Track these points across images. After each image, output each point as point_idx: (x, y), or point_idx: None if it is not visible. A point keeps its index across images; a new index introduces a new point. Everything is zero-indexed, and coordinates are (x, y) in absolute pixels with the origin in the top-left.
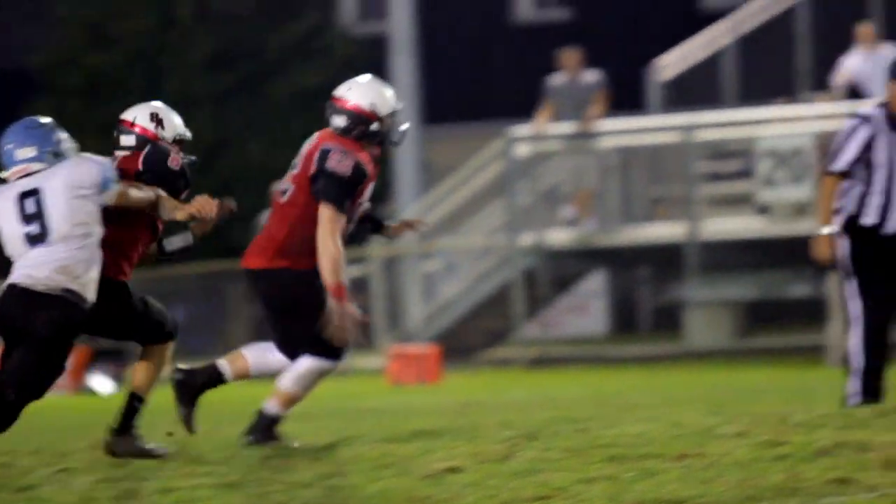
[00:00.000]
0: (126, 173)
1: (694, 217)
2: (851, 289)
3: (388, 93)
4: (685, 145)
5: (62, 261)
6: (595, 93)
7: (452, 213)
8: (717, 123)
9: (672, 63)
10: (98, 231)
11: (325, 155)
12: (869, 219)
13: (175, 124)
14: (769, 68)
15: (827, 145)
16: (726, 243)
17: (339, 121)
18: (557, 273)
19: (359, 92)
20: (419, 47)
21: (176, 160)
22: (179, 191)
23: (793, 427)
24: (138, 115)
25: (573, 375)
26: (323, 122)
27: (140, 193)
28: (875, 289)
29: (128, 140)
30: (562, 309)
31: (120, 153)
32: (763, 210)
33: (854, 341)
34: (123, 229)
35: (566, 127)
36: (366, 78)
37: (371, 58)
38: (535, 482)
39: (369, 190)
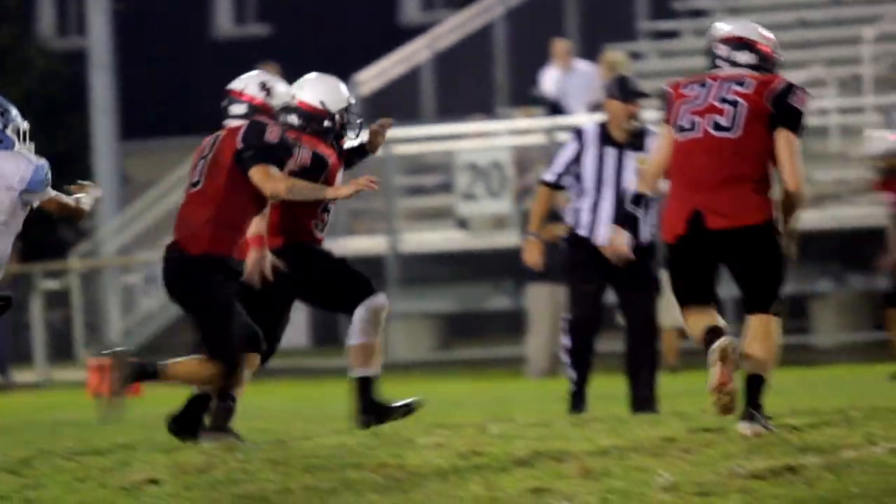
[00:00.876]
0: (227, 150)
1: (394, 230)
2: (565, 297)
3: (340, 88)
4: (384, 159)
5: None
6: None
7: (151, 227)
8: (416, 138)
9: (371, 78)
10: (13, 224)
11: (248, 130)
12: (582, 230)
13: (283, 93)
14: (467, 84)
15: (524, 160)
16: (426, 256)
17: (292, 119)
18: None
19: (309, 90)
20: (118, 62)
21: (275, 132)
22: (283, 162)
23: (491, 437)
24: (248, 85)
25: (275, 387)
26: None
27: (305, 187)
28: (584, 298)
29: (238, 109)
30: None
31: (230, 122)
32: (462, 223)
33: (563, 351)
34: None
35: None
36: (313, 76)
37: (70, 72)
38: (235, 493)
39: (339, 178)
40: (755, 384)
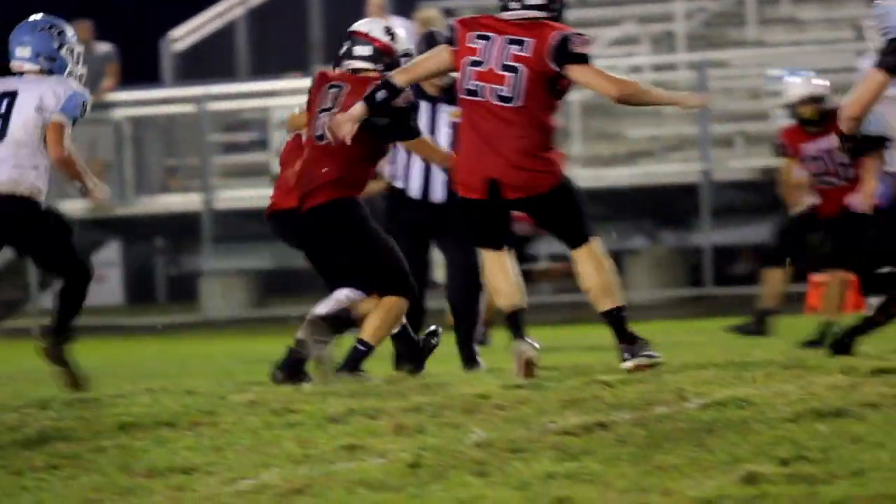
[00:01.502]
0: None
1: (209, 187)
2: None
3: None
4: (199, 116)
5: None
6: (106, 65)
7: None
8: (231, 95)
9: (185, 35)
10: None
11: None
12: (398, 183)
13: (404, 38)
14: (282, 41)
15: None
16: (241, 213)
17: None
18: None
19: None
20: None
21: (406, 97)
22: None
23: (304, 395)
24: (373, 28)
25: (90, 345)
26: None
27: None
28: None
29: (363, 50)
30: None
31: (353, 63)
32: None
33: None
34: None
35: None
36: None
37: None
38: (47, 451)
39: None
40: (616, 317)
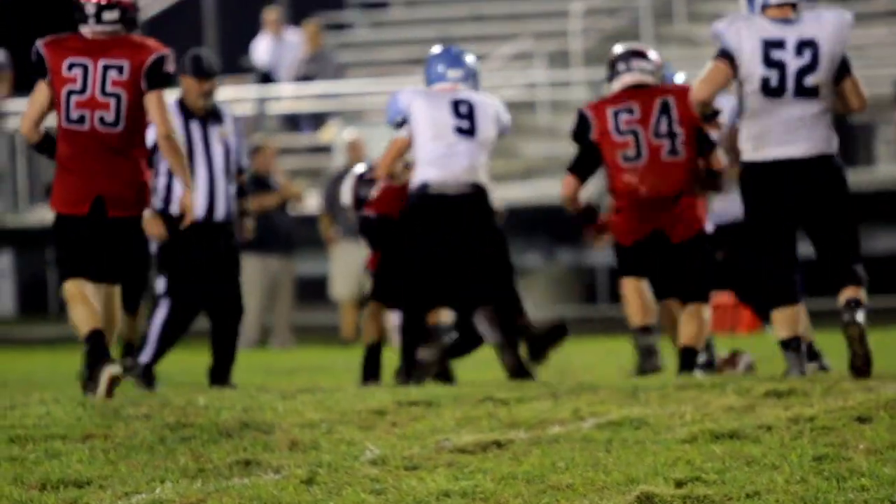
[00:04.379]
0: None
1: None
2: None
3: None
4: None
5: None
6: (1, 73)
7: None
8: None
9: None
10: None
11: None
12: (174, 206)
13: None
14: (177, 52)
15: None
16: None
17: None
18: None
19: None
20: None
21: None
22: None
23: (198, 409)
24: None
25: None
26: None
27: None
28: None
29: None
30: None
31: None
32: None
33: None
34: None
35: None
36: None
37: None
38: None
39: None
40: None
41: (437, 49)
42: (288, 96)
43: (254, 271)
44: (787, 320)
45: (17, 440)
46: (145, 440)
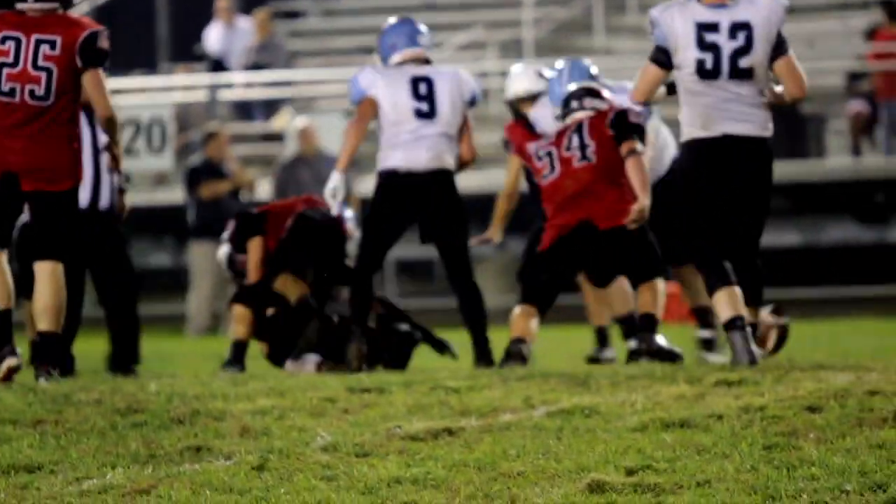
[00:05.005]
0: None
1: None
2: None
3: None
4: None
5: None
6: None
7: None
8: None
9: None
10: None
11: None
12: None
13: None
14: (129, 38)
15: (186, 116)
16: None
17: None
18: None
19: None
20: None
21: None
22: None
23: (150, 395)
24: None
25: None
26: None
27: None
28: None
29: None
30: None
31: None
32: (126, 179)
33: None
34: None
35: None
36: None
37: None
38: None
39: None
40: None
41: (389, 22)
42: (240, 84)
43: (204, 258)
44: (728, 300)
45: None
46: (96, 425)
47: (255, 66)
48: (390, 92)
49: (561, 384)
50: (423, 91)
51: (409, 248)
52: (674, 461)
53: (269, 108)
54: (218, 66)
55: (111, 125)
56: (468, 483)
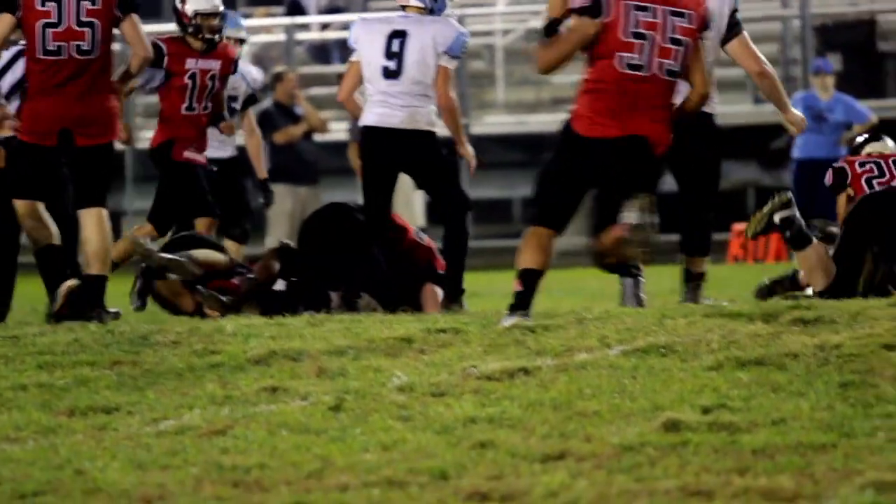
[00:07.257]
0: None
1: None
2: None
3: None
4: None
5: None
6: None
7: None
8: None
9: None
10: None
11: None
12: None
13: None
14: None
15: (263, 58)
16: None
17: None
18: None
19: None
20: None
21: None
22: None
23: (226, 336)
24: None
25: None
26: None
27: None
28: None
29: None
30: None
31: None
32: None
33: None
34: None
35: None
36: None
37: None
38: None
39: None
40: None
41: None
42: (316, 26)
43: (282, 201)
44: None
45: (46, 366)
46: (173, 367)
47: (332, 9)
48: (366, 50)
49: (636, 323)
50: (395, 48)
51: (487, 189)
52: (749, 400)
53: (346, 49)
54: (295, 8)
55: (147, 64)
56: (543, 422)
